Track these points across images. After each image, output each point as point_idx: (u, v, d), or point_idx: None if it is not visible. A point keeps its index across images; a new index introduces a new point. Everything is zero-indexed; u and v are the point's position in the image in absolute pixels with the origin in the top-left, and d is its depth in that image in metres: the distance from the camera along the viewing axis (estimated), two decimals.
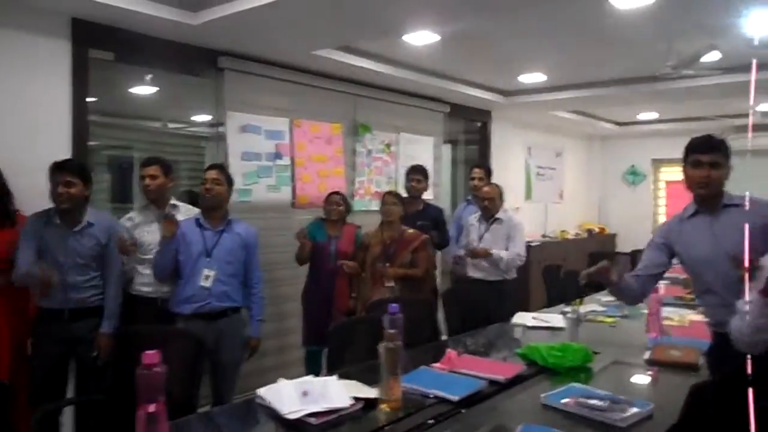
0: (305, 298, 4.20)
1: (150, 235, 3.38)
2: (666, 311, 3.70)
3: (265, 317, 4.33)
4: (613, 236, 8.97)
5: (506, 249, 4.35)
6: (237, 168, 4.26)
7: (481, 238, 4.42)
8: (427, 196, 5.71)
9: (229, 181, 3.36)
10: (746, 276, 2.03)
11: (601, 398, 2.11)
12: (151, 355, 1.73)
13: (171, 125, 6.14)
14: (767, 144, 7.27)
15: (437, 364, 2.54)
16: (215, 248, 3.18)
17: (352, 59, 4.54)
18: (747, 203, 2.43)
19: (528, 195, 7.87)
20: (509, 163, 7.36)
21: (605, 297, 4.29)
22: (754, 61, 4.00)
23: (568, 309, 3.68)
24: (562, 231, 8.18)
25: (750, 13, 2.10)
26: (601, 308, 3.88)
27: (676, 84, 5.33)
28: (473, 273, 4.40)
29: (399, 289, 3.83)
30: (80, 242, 2.98)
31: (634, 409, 2.03)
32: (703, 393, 1.93)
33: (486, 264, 4.32)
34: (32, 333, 3.01)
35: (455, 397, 2.17)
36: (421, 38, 4.16)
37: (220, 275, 3.16)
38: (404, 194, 4.45)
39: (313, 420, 1.94)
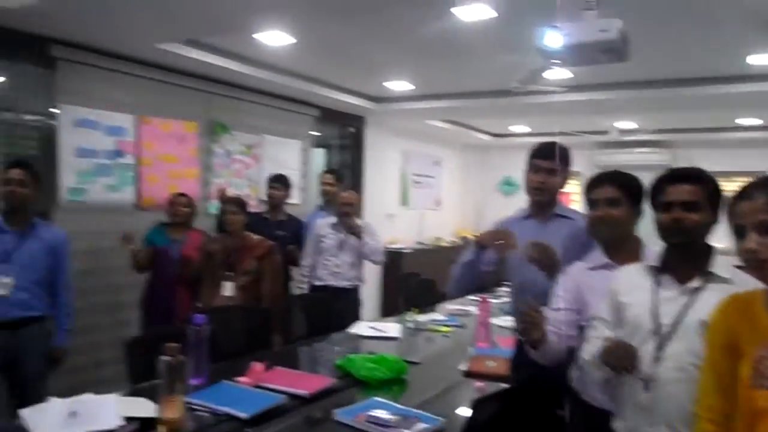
0: (144, 306, 3.97)
1: None
2: (502, 320, 3.77)
3: (99, 327, 4.10)
4: None
5: None
6: (70, 165, 3.96)
7: (341, 246, 4.34)
8: (294, 201, 5.62)
9: (36, 180, 3.07)
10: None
11: (394, 413, 2.07)
12: None
13: (6, 115, 5.65)
14: (625, 160, 7.81)
15: (242, 378, 2.41)
16: (15, 253, 2.90)
17: (203, 55, 4.33)
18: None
19: (404, 201, 7.92)
20: (385, 170, 7.37)
21: (452, 305, 4.35)
22: None
23: (408, 318, 3.66)
24: (437, 238, 8.30)
25: (545, 32, 2.13)
26: (442, 317, 3.90)
27: (535, 99, 5.50)
28: (324, 279, 4.31)
29: (241, 298, 3.68)
30: None
31: (422, 425, 2.00)
32: (484, 406, 1.93)
33: (338, 267, 4.27)
34: None
35: (245, 415, 2.05)
36: (273, 38, 4.04)
37: (20, 282, 2.88)
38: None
39: None
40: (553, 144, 2.52)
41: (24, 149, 4.18)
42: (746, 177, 1.66)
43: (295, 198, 5.70)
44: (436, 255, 7.82)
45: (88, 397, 2.03)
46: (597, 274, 2.06)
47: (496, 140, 8.92)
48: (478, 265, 2.58)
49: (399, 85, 5.57)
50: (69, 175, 3.95)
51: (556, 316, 2.06)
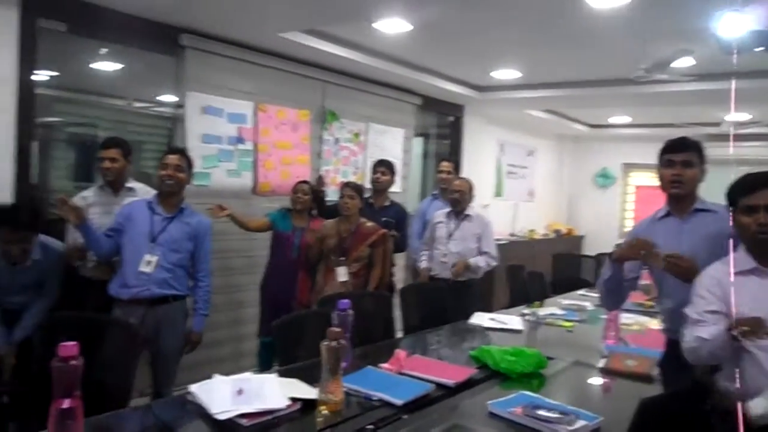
0: (264, 289, 4.08)
1: (101, 217, 3.25)
2: (624, 317, 3.66)
3: (219, 306, 4.24)
4: (580, 238, 8.98)
5: (477, 247, 4.27)
6: (196, 151, 4.09)
7: (450, 236, 4.30)
8: (395, 189, 5.63)
9: (190, 165, 3.21)
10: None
11: (549, 408, 2.03)
12: (68, 347, 1.60)
13: (136, 104, 5.95)
14: (739, 153, 7.43)
15: (385, 365, 2.43)
16: (161, 234, 3.02)
17: (321, 44, 4.39)
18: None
19: (498, 192, 7.82)
20: (481, 159, 7.28)
21: (566, 300, 4.26)
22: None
23: (527, 311, 3.61)
24: (531, 230, 8.15)
25: (722, 16, 2.01)
26: (560, 312, 3.81)
27: (649, 88, 5.29)
28: (440, 272, 4.29)
29: (353, 284, 3.73)
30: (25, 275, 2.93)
31: (582, 422, 1.95)
32: (652, 407, 1.86)
33: (445, 257, 4.23)
34: None
35: (399, 401, 2.07)
36: (392, 26, 4.04)
37: (163, 262, 3.00)
38: (368, 186, 4.34)
39: (244, 421, 1.82)
40: (684, 138, 2.47)
41: (156, 136, 4.38)
42: None
43: (396, 186, 5.72)
44: (531, 248, 7.70)
45: (249, 376, 2.09)
46: (744, 279, 1.98)
47: (592, 131, 8.67)
48: (621, 279, 2.52)
49: (506, 74, 5.47)
50: (196, 160, 4.06)
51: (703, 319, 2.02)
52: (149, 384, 3.16)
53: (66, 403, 1.59)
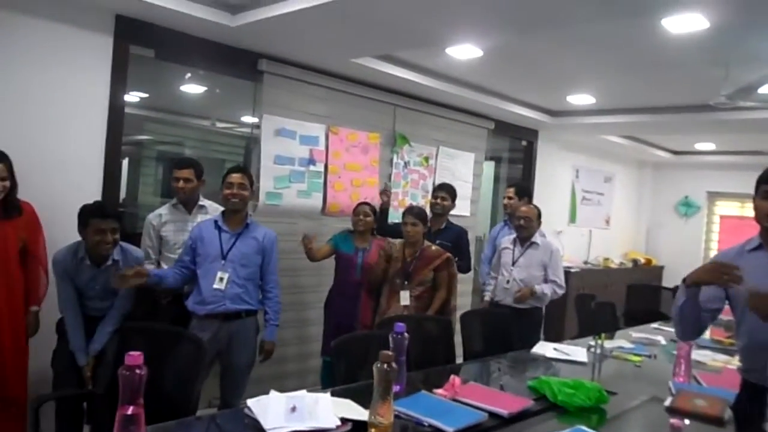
0: (328, 308, 4.15)
1: (175, 234, 3.43)
2: (700, 354, 3.50)
3: (286, 323, 4.36)
4: (660, 269, 8.62)
5: (542, 275, 4.19)
6: (269, 171, 4.25)
7: (515, 262, 4.25)
8: (464, 212, 5.62)
9: (252, 184, 3.35)
10: None
11: None
12: (133, 357, 1.70)
13: (219, 125, 6.27)
14: None
15: (439, 390, 2.43)
16: (231, 251, 3.16)
17: (393, 69, 4.49)
18: None
19: (572, 219, 7.64)
20: (554, 184, 7.16)
21: (637, 333, 4.11)
22: None
23: (593, 343, 3.50)
24: (606, 259, 7.90)
25: None
26: (629, 345, 3.68)
27: (733, 115, 5.08)
28: (503, 298, 4.24)
29: (415, 307, 3.74)
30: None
31: None
32: None
33: (508, 284, 4.18)
34: None
35: (450, 429, 2.05)
36: (463, 52, 4.08)
37: (235, 278, 3.14)
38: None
39: None
40: None
41: (233, 155, 4.59)
42: None
43: (465, 210, 5.71)
44: (606, 277, 7.47)
45: (304, 394, 2.14)
46: None
47: (675, 158, 8.34)
48: (697, 305, 2.34)
49: (581, 99, 5.39)
50: (268, 181, 4.25)
51: None
52: (218, 395, 3.29)
53: (130, 410, 1.68)
